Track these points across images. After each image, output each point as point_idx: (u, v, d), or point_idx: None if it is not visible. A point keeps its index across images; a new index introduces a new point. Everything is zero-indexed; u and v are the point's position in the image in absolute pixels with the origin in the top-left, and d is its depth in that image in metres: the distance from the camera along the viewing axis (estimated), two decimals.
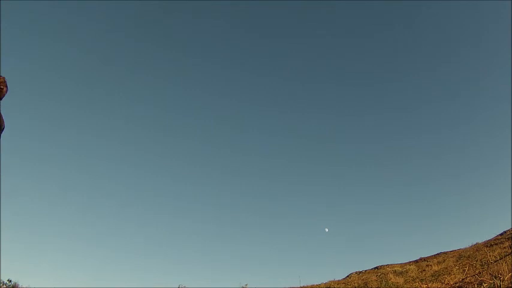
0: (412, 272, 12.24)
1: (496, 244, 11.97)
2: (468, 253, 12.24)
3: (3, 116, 3.98)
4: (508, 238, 12.17)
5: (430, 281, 9.58)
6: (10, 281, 11.61)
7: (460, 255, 12.37)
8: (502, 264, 8.34)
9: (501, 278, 7.15)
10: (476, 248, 12.71)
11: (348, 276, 15.65)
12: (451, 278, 9.22)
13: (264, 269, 30.24)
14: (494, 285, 7.05)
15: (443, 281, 9.16)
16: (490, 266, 8.93)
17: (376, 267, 15.50)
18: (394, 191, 44.24)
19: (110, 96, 47.78)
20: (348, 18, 51.17)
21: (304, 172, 47.57)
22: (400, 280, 11.17)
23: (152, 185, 45.67)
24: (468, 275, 8.96)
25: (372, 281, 12.55)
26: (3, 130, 4.09)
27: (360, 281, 13.02)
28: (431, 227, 37.78)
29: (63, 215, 38.67)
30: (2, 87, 3.91)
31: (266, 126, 51.34)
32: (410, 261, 15.08)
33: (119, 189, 44.45)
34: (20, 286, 11.70)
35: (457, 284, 8.46)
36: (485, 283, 7.39)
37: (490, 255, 10.27)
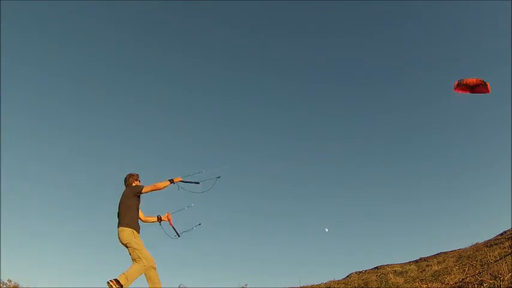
0: (412, 272, 12.24)
1: (496, 244, 11.97)
2: (468, 253, 12.25)
3: None
4: (508, 238, 12.18)
5: (430, 281, 9.58)
6: (10, 281, 11.62)
7: (460, 255, 12.38)
8: (502, 264, 8.34)
9: (501, 278, 7.15)
10: (476, 248, 12.72)
11: (348, 276, 15.64)
12: (451, 278, 9.22)
13: (264, 269, 30.21)
14: (494, 285, 7.05)
15: (443, 281, 9.16)
16: (490, 266, 8.94)
17: (376, 267, 15.50)
18: (394, 191, 44.22)
19: (109, 96, 47.79)
20: (348, 18, 51.17)
21: (304, 172, 47.60)
22: (400, 280, 11.18)
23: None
24: (468, 275, 8.96)
25: (372, 281, 12.56)
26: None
27: (360, 281, 13.03)
28: (431, 227, 37.77)
29: (63, 215, 38.70)
30: None
31: (265, 126, 51.37)
32: (410, 261, 15.07)
33: (118, 189, 44.40)
34: (20, 286, 11.71)
35: (457, 284, 8.46)
36: (485, 283, 7.39)
37: (490, 255, 10.27)
